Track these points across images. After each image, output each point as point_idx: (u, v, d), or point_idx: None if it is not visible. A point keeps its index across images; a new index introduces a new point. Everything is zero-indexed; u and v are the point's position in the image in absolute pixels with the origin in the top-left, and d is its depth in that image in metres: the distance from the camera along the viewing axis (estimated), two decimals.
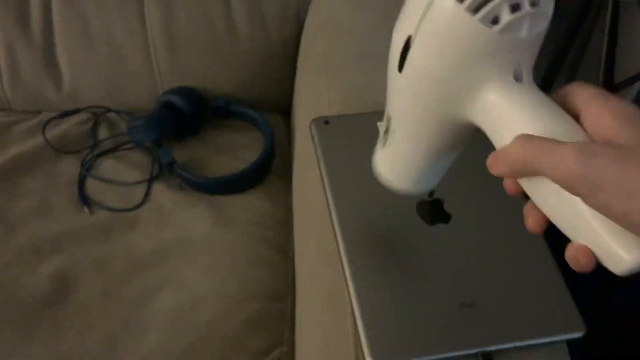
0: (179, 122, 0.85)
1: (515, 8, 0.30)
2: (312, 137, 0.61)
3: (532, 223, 0.34)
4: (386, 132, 0.41)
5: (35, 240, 0.74)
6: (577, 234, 0.31)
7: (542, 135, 0.30)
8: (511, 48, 0.31)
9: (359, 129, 0.60)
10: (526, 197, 0.33)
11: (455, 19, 0.30)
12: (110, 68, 0.89)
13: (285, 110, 0.97)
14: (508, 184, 0.35)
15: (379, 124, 0.43)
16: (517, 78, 0.32)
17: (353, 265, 0.50)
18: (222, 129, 0.90)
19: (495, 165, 0.32)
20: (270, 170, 0.85)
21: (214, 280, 0.71)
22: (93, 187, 0.81)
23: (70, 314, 0.68)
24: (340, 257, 0.51)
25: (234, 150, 0.87)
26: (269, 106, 0.96)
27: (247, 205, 0.80)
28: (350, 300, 0.49)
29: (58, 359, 0.65)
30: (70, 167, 0.83)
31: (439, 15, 0.31)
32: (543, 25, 0.31)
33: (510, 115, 0.32)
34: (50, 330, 0.66)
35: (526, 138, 0.30)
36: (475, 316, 0.48)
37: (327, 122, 0.62)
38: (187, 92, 0.87)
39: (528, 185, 0.32)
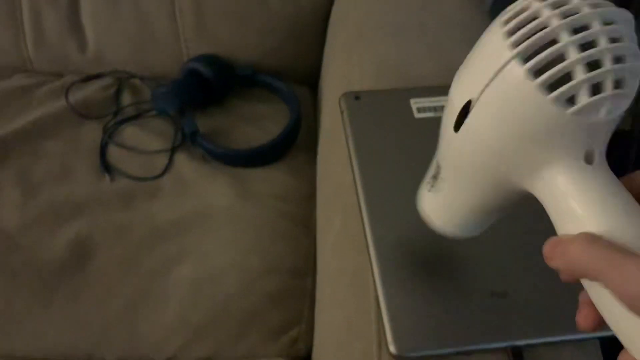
0: (204, 90, 0.83)
1: (596, 89, 0.27)
2: (342, 113, 0.59)
3: (583, 319, 0.30)
4: (435, 177, 0.38)
5: (55, 204, 0.73)
6: (633, 348, 0.27)
7: (610, 234, 0.26)
8: (585, 130, 0.28)
9: (392, 105, 0.58)
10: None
11: (524, 95, 0.27)
12: (135, 32, 0.87)
13: (312, 81, 0.94)
14: (564, 276, 0.30)
15: (429, 171, 0.40)
16: (588, 160, 0.29)
17: (379, 249, 0.49)
18: (247, 98, 0.88)
19: (552, 257, 0.29)
20: (294, 143, 0.82)
21: (234, 253, 0.70)
22: (115, 154, 0.80)
23: (89, 281, 0.67)
24: (366, 240, 0.50)
25: (258, 121, 0.85)
26: (296, 76, 0.93)
27: (270, 178, 0.78)
28: (375, 285, 0.47)
29: (76, 324, 0.64)
30: (92, 132, 0.82)
31: (507, 86, 0.28)
32: (624, 106, 0.28)
33: (575, 202, 0.28)
34: (68, 295, 0.66)
35: (591, 241, 0.26)
36: (506, 307, 0.46)
37: (357, 98, 0.59)
38: (212, 60, 0.85)
39: (588, 286, 0.28)
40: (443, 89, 0.59)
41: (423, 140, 0.56)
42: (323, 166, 0.73)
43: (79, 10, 0.87)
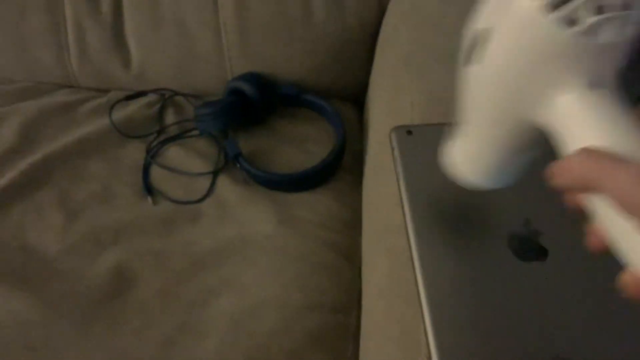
0: (247, 109, 0.81)
1: (598, 10, 0.27)
2: (392, 149, 0.55)
3: (594, 242, 0.31)
4: (458, 122, 0.39)
5: (96, 230, 0.72)
6: (634, 259, 0.27)
7: (610, 149, 0.27)
8: (590, 53, 0.29)
9: (446, 141, 0.54)
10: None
11: (530, 17, 0.28)
12: (179, 49, 0.86)
13: (357, 98, 0.91)
14: (568, 198, 0.32)
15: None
16: (594, 85, 0.29)
17: (432, 303, 0.45)
18: (291, 118, 0.86)
19: (555, 175, 0.30)
20: (339, 167, 0.79)
21: (275, 286, 0.67)
22: (157, 175, 0.79)
23: (127, 311, 0.66)
24: (418, 291, 0.46)
25: (302, 143, 0.82)
26: (341, 94, 0.90)
27: (313, 204, 0.76)
28: (428, 345, 0.44)
29: (112, 357, 0.63)
30: (135, 152, 0.81)
31: (514, 11, 0.29)
32: (631, 31, 0.28)
33: (578, 123, 0.30)
34: (106, 326, 0.65)
35: (589, 152, 0.28)
36: None
37: (409, 133, 0.56)
38: (256, 79, 0.82)
39: (589, 201, 0.29)
40: None
41: None
42: (369, 198, 0.70)
43: (123, 26, 0.86)
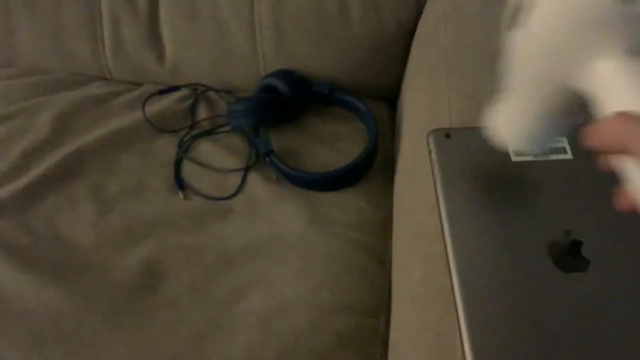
0: (280, 107, 0.81)
1: None
2: (429, 152, 0.54)
3: (623, 203, 0.32)
4: (502, 88, 0.40)
5: (128, 223, 0.73)
6: None
7: None
8: (627, 21, 0.30)
9: (486, 146, 0.53)
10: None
11: None
12: (213, 44, 0.86)
13: (390, 97, 0.90)
14: (602, 160, 0.33)
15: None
16: (632, 52, 0.31)
17: (469, 314, 0.44)
18: (323, 116, 0.85)
19: (591, 136, 0.31)
20: (371, 167, 0.79)
21: (305, 286, 0.67)
22: (189, 170, 0.79)
23: (158, 305, 0.66)
24: (454, 298, 0.45)
25: (334, 142, 0.82)
26: (374, 93, 0.89)
27: (344, 205, 0.75)
28: (463, 350, 0.43)
29: (145, 352, 0.63)
30: (167, 146, 0.81)
31: None
32: None
33: (615, 88, 0.31)
34: (138, 320, 0.65)
35: (623, 115, 0.29)
36: None
37: (448, 136, 0.55)
38: (289, 76, 0.82)
39: (621, 163, 0.31)
40: None
41: (520, 186, 0.52)
42: (401, 201, 0.69)
43: (158, 20, 0.86)
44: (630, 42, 0.31)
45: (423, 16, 0.81)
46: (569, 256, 0.46)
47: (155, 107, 0.85)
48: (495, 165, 0.53)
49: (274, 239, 0.71)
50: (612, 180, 0.33)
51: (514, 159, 0.53)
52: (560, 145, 0.53)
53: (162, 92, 0.87)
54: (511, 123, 0.41)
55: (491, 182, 0.52)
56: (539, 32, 0.33)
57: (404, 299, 0.58)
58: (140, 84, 0.91)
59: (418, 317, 0.53)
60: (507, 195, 0.51)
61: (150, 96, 0.86)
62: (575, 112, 0.36)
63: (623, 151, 0.30)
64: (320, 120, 0.84)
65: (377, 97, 0.90)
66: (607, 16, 0.30)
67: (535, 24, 0.33)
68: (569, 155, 0.52)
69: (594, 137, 0.31)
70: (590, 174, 0.51)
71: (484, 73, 0.61)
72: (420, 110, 0.67)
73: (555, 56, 0.33)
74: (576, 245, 0.47)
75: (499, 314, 0.44)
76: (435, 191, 0.52)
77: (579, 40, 0.32)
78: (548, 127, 0.39)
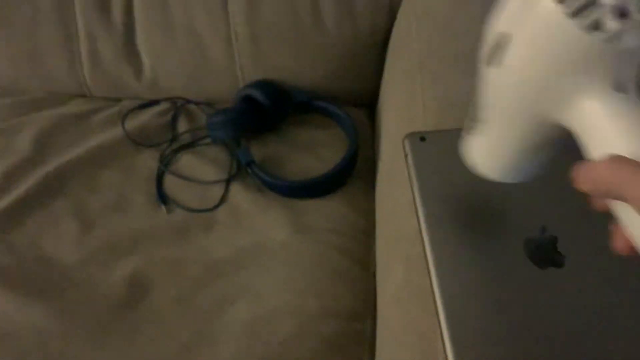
0: (259, 117, 0.81)
1: (622, 15, 0.27)
2: (405, 156, 0.55)
3: (619, 244, 0.31)
4: (475, 119, 0.39)
5: (111, 239, 0.73)
6: None
7: (636, 156, 0.27)
8: (612, 57, 0.29)
9: (460, 148, 0.54)
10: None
11: (552, 22, 0.28)
12: (190, 58, 0.86)
13: (369, 103, 0.91)
14: (592, 201, 0.32)
15: (469, 114, 0.41)
16: (619, 88, 0.29)
17: (448, 309, 0.45)
18: (303, 124, 0.86)
19: (578, 180, 0.30)
20: (352, 173, 0.79)
21: (290, 294, 0.67)
22: (171, 183, 0.79)
23: (144, 320, 0.66)
24: (435, 302, 0.46)
25: (314, 149, 0.82)
26: (352, 100, 0.90)
27: (327, 211, 0.76)
28: (445, 351, 0.43)
29: None
30: (148, 160, 0.81)
31: (536, 15, 0.29)
32: None
33: (603, 128, 0.29)
34: (123, 336, 0.65)
35: (615, 160, 0.27)
36: None
37: (423, 139, 0.55)
38: (268, 86, 0.83)
39: (616, 208, 0.29)
40: None
41: (496, 186, 0.53)
42: (383, 204, 0.69)
43: (135, 36, 0.87)
44: (616, 79, 0.29)
45: (396, 22, 0.82)
46: (545, 252, 0.47)
47: (135, 122, 0.86)
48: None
49: (259, 248, 0.72)
50: None
51: None
52: None
53: (141, 107, 0.88)
54: (489, 155, 0.40)
55: (467, 182, 0.52)
56: (518, 69, 0.32)
57: (388, 301, 0.59)
58: (119, 100, 0.91)
59: (401, 318, 0.54)
60: (482, 195, 0.52)
61: (129, 111, 0.87)
62: (557, 143, 0.36)
63: (613, 197, 0.28)
64: (301, 129, 0.85)
65: (356, 104, 0.91)
66: (589, 55, 0.29)
67: (514, 61, 0.31)
68: None
69: (585, 182, 0.29)
70: (563, 170, 0.52)
71: (456, 75, 0.62)
72: (397, 114, 0.68)
73: (536, 94, 0.32)
74: (552, 241, 0.48)
75: (478, 311, 0.45)
76: (413, 194, 0.53)
77: (561, 79, 0.30)
78: (528, 160, 0.38)
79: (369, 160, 0.82)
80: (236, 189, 0.78)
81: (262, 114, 0.81)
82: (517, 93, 0.33)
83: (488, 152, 0.40)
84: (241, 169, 0.79)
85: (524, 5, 0.30)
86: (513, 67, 0.32)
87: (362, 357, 0.64)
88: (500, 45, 0.32)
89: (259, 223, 0.74)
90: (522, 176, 0.40)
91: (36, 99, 0.90)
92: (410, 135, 0.56)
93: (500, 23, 0.32)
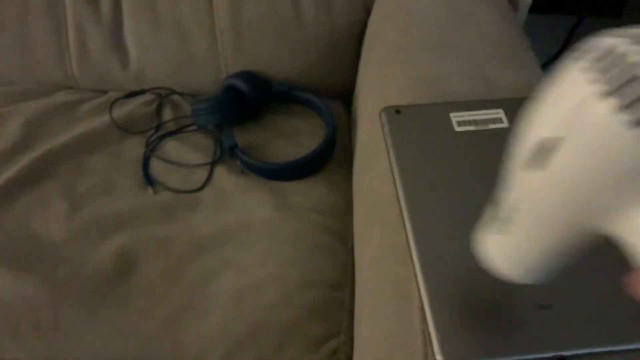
0: (242, 106, 0.86)
1: None
2: (382, 127, 0.60)
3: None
4: (499, 218, 0.37)
5: (99, 218, 0.76)
6: None
7: None
8: None
9: (432, 119, 0.59)
10: None
11: (611, 130, 0.26)
12: (176, 50, 0.90)
13: (345, 96, 0.96)
14: None
15: (490, 211, 0.38)
16: None
17: (424, 261, 0.49)
18: (283, 113, 0.90)
19: (630, 286, 0.30)
20: (331, 157, 0.84)
21: (273, 266, 0.71)
22: (157, 167, 0.82)
23: (132, 293, 0.69)
24: (410, 250, 0.50)
25: (294, 136, 0.87)
26: (330, 92, 0.95)
27: (308, 192, 0.80)
28: (420, 295, 0.48)
29: (121, 334, 0.66)
30: (134, 146, 0.84)
31: (593, 122, 0.27)
32: None
33: None
34: (113, 307, 0.68)
35: None
36: (551, 318, 0.46)
37: (398, 112, 0.60)
38: (250, 76, 0.87)
39: None
40: (482, 104, 0.61)
41: (464, 152, 0.58)
42: (359, 180, 0.74)
43: (122, 29, 0.90)
44: None
45: (371, 17, 0.87)
46: None
47: (122, 110, 0.89)
48: (441, 134, 0.58)
49: (242, 226, 0.75)
50: None
51: (456, 129, 0.59)
52: (497, 116, 0.59)
53: (127, 96, 0.91)
54: (511, 256, 0.37)
55: (438, 149, 0.57)
56: (567, 175, 0.29)
57: (365, 266, 0.63)
58: (105, 92, 0.94)
59: (378, 275, 0.57)
60: (453, 160, 0.56)
61: (116, 100, 0.90)
62: (587, 248, 0.34)
63: None
64: (281, 117, 0.89)
65: (333, 97, 0.96)
66: None
67: (563, 167, 0.29)
68: (505, 124, 0.59)
69: (635, 287, 0.30)
70: None
71: (430, 57, 0.67)
72: (374, 94, 0.72)
73: (584, 201, 0.30)
74: None
75: (450, 262, 0.49)
76: (389, 160, 0.57)
77: (615, 188, 0.28)
78: (555, 263, 0.36)
79: (346, 148, 0.87)
80: (220, 172, 0.81)
81: (244, 102, 0.86)
82: (562, 199, 0.31)
83: (511, 253, 0.37)
84: (224, 154, 0.83)
85: (578, 110, 0.28)
86: (561, 173, 0.30)
87: (341, 322, 0.68)
88: (546, 150, 0.30)
89: (242, 203, 0.78)
90: (544, 278, 0.37)
91: (24, 90, 0.93)
92: (387, 109, 0.61)
93: (545, 126, 0.30)
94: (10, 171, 0.79)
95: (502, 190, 0.35)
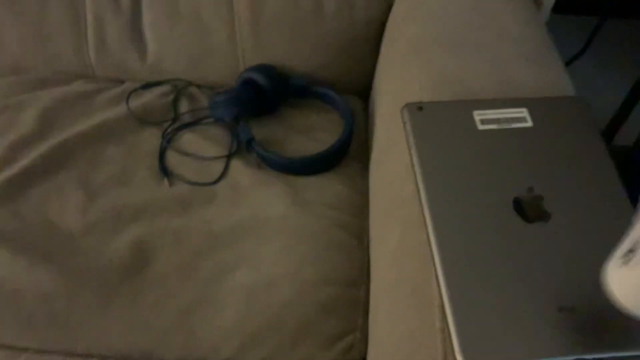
0: (259, 99, 0.85)
1: None
2: (404, 123, 0.59)
3: None
4: (632, 251, 0.36)
5: (115, 209, 0.75)
6: None
7: None
8: None
9: (454, 117, 0.58)
10: None
11: None
12: (194, 41, 0.90)
13: (363, 92, 0.95)
14: None
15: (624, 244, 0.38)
16: None
17: (445, 260, 0.48)
18: (300, 108, 0.90)
19: None
20: (348, 152, 0.83)
21: (289, 262, 0.70)
22: (173, 159, 0.82)
23: (147, 284, 0.69)
24: (431, 250, 0.50)
25: (311, 131, 0.86)
26: (347, 88, 0.94)
27: (324, 188, 0.79)
28: (441, 295, 0.47)
29: (135, 325, 0.66)
30: (151, 138, 0.84)
31: None
32: None
33: None
34: (127, 298, 0.67)
35: None
36: (574, 321, 0.45)
37: (420, 108, 0.59)
38: (268, 70, 0.86)
39: None
40: (505, 102, 0.60)
41: (487, 151, 0.57)
42: (378, 178, 0.73)
43: (141, 19, 0.90)
44: None
45: (392, 13, 0.86)
46: (532, 209, 0.52)
47: (139, 101, 0.88)
48: (464, 132, 0.58)
49: (258, 220, 0.75)
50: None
51: (479, 127, 0.58)
52: (521, 115, 0.59)
53: (144, 87, 0.91)
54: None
55: (461, 147, 0.57)
56: None
57: (382, 264, 0.62)
58: (122, 82, 0.94)
59: (396, 275, 0.57)
60: (476, 159, 0.56)
61: (133, 91, 0.90)
62: None
63: None
64: (298, 112, 0.89)
65: (350, 92, 0.95)
66: None
67: None
68: (529, 124, 0.58)
69: None
70: (549, 140, 0.57)
71: (450, 58, 0.67)
72: (393, 93, 0.72)
73: None
74: (538, 200, 0.52)
75: (472, 262, 0.49)
76: (411, 158, 0.57)
77: None
78: None
79: (363, 144, 0.86)
80: (236, 165, 0.81)
81: (262, 96, 0.85)
82: None
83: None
84: (241, 147, 0.83)
85: None
86: None
87: (357, 319, 0.67)
88: None
89: (258, 197, 0.77)
90: None
91: (41, 78, 0.93)
92: (409, 105, 0.60)
93: None
94: (27, 160, 0.79)
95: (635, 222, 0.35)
